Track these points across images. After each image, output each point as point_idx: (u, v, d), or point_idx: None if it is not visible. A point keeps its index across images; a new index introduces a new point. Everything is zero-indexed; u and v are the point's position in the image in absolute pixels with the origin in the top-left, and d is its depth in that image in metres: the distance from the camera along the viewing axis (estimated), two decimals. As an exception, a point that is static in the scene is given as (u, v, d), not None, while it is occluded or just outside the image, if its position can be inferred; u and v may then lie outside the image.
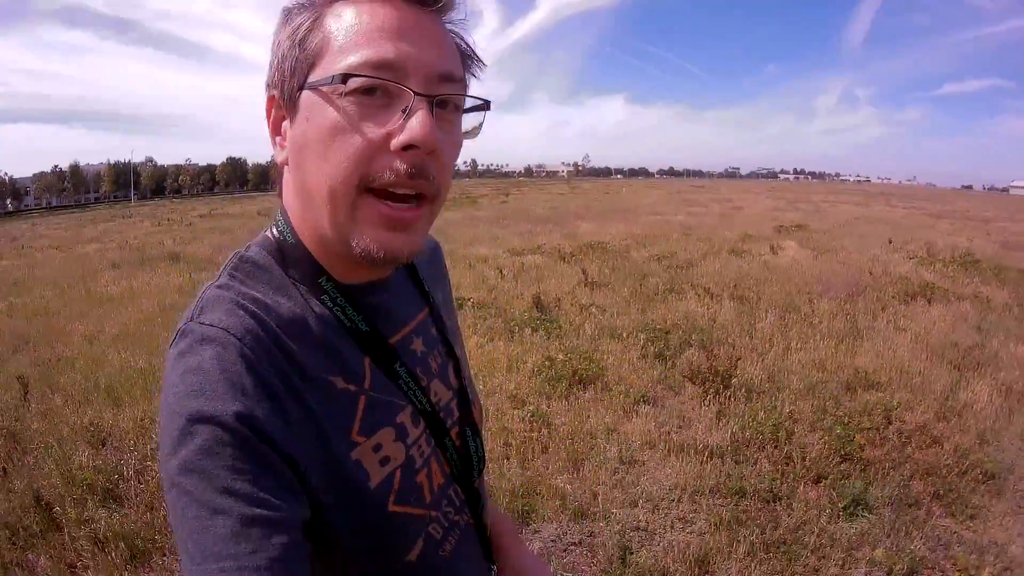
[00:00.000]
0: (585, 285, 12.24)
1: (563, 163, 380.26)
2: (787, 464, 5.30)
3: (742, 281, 12.38)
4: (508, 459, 5.50)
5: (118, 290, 14.75)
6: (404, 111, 0.93)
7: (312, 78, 0.96)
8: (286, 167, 1.08)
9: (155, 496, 5.16)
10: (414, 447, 1.12)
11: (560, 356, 7.59)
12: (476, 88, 1.08)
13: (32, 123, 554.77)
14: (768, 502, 4.81)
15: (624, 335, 8.73)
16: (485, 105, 1.06)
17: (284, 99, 1.01)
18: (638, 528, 4.55)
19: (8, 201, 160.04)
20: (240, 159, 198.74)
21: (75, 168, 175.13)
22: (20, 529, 5.01)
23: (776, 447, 5.53)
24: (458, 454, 1.22)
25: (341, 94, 0.93)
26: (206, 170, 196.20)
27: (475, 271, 14.39)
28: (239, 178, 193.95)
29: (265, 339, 0.96)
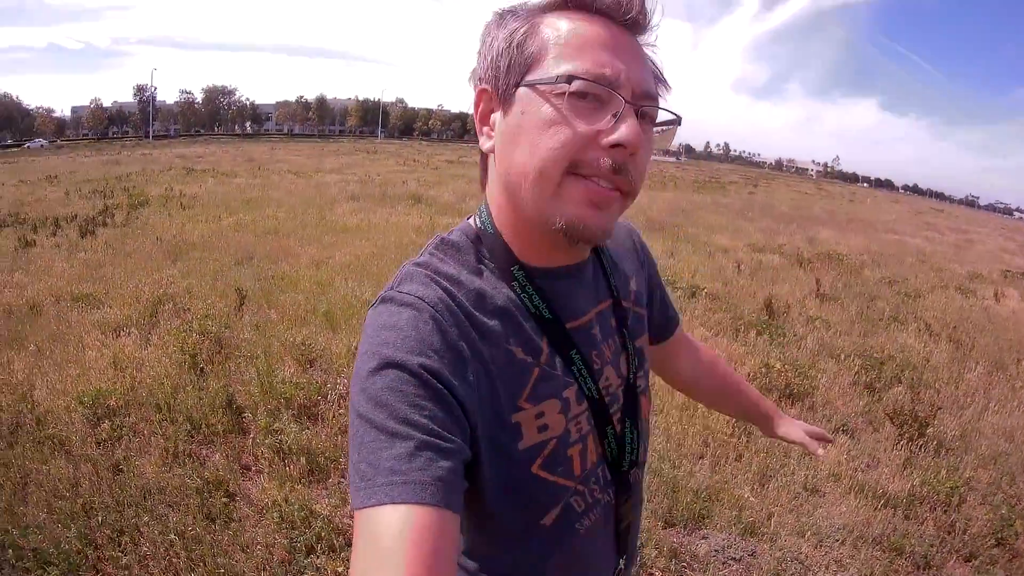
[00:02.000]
0: (816, 296, 11.93)
1: (813, 160, 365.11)
2: (949, 532, 5.07)
3: (962, 323, 11.72)
4: (702, 459, 5.50)
5: (354, 222, 15.03)
6: (615, 115, 1.02)
7: (530, 77, 1.05)
8: (491, 158, 1.17)
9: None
10: (573, 422, 1.17)
11: (778, 365, 7.42)
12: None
13: (277, 54, 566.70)
14: (919, 568, 4.63)
15: (842, 357, 8.50)
16: (677, 120, 1.15)
17: (499, 93, 1.10)
18: (797, 559, 4.48)
19: (248, 124, 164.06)
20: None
21: (321, 100, 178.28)
22: (204, 426, 5.26)
23: (946, 511, 5.30)
24: (616, 441, 1.26)
25: (560, 94, 1.02)
26: (457, 117, 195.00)
27: (714, 261, 14.27)
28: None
29: (455, 308, 1.06)
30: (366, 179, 26.61)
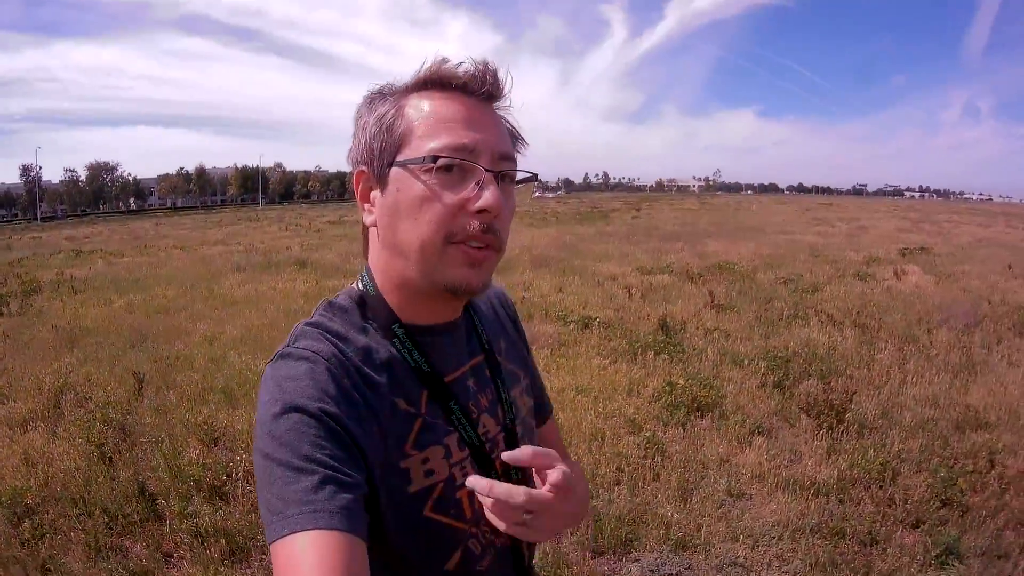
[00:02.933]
0: (711, 307, 12.15)
1: (694, 177, 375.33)
2: (889, 506, 5.18)
3: (865, 308, 12.14)
4: (619, 484, 5.53)
5: (242, 293, 15.18)
6: (478, 184, 1.16)
7: (400, 157, 1.19)
8: (372, 229, 1.30)
9: None
10: (457, 467, 1.27)
11: (681, 382, 7.52)
12: (522, 162, 1.29)
13: (153, 126, 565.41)
14: (865, 545, 4.72)
15: (746, 362, 8.67)
16: (533, 177, 1.31)
17: (375, 173, 1.23)
18: (736, 563, 4.52)
19: (132, 200, 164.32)
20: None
21: (201, 171, 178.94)
22: (120, 517, 5.19)
23: (881, 487, 5.42)
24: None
25: (428, 170, 1.15)
26: (336, 177, 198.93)
27: (603, 289, 14.52)
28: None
29: (345, 362, 1.17)
30: (250, 248, 26.59)
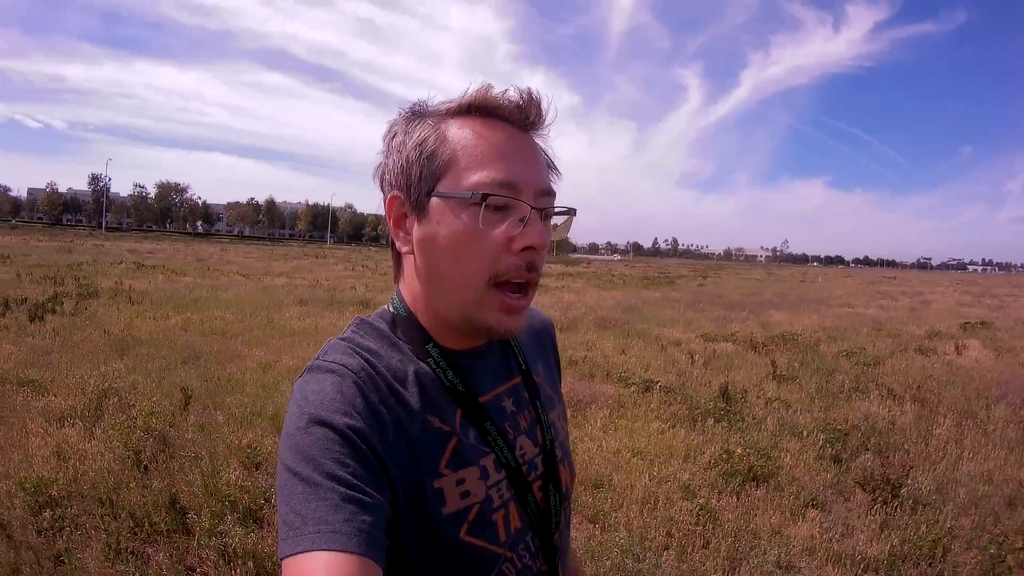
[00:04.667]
0: (773, 378, 11.97)
1: (761, 247, 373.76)
2: None
3: (925, 382, 11.87)
4: (668, 549, 5.41)
5: (302, 326, 15.15)
6: (522, 220, 1.13)
7: (442, 188, 1.15)
8: (408, 256, 1.28)
9: None
10: (493, 488, 1.24)
11: (739, 450, 7.36)
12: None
13: (229, 155, 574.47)
14: (912, 625, 4.54)
15: (804, 434, 8.49)
16: (572, 211, 1.28)
17: (411, 200, 1.19)
18: None
19: (199, 223, 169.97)
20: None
21: (271, 203, 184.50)
22: (147, 523, 5.16)
23: (931, 564, 5.30)
24: (538, 507, 1.33)
25: (472, 206, 1.12)
26: None
27: (666, 354, 14.23)
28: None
29: (375, 376, 1.15)
30: (315, 283, 26.78)
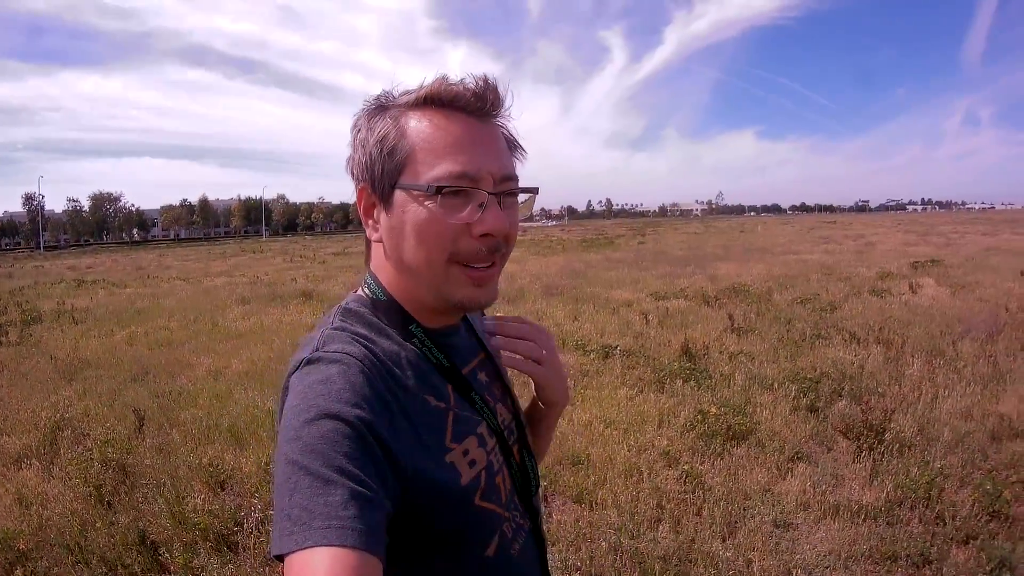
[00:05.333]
0: (732, 331, 12.04)
1: (697, 201, 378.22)
2: (938, 524, 5.09)
3: (886, 323, 12.01)
4: (661, 522, 5.35)
5: (247, 326, 15.09)
6: (480, 206, 1.19)
7: (403, 181, 1.21)
8: (375, 242, 1.34)
9: None
10: (492, 453, 1.33)
11: (713, 410, 7.37)
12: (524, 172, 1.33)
13: (158, 157, 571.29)
14: (919, 566, 4.60)
15: (775, 385, 8.52)
16: (535, 190, 1.35)
17: (377, 193, 1.26)
18: None
19: (135, 231, 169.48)
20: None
21: (204, 202, 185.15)
22: (119, 566, 4.99)
23: (928, 506, 5.32)
24: (519, 468, 1.43)
25: (430, 197, 1.18)
26: (339, 208, 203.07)
27: (619, 316, 14.31)
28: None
29: (377, 363, 1.18)
30: (255, 280, 26.77)
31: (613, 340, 11.51)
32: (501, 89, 1.23)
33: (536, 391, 1.59)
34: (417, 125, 1.21)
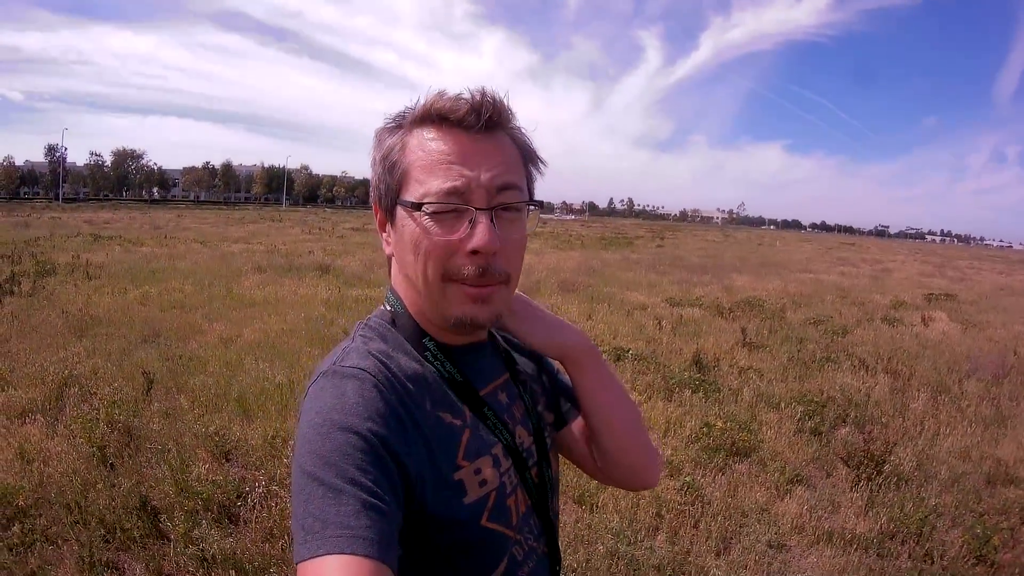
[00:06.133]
0: (743, 345, 12.13)
1: (718, 209, 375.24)
2: (926, 561, 5.20)
3: (895, 354, 12.09)
4: (658, 531, 5.47)
5: (262, 295, 15.15)
6: (471, 222, 1.18)
7: (402, 197, 1.23)
8: (390, 257, 1.37)
9: (277, 525, 5.05)
10: (505, 475, 1.31)
11: (719, 424, 7.47)
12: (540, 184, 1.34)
13: (184, 118, 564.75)
14: (904, 602, 4.69)
15: (781, 405, 8.63)
16: (539, 204, 1.32)
17: (384, 209, 1.30)
18: None
19: (155, 189, 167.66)
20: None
21: (227, 167, 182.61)
22: (118, 530, 4.98)
23: (918, 542, 5.42)
24: (536, 488, 1.41)
25: (421, 213, 1.19)
26: (361, 184, 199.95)
27: (633, 319, 14.41)
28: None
29: (392, 379, 1.19)
30: (272, 249, 26.67)
31: (626, 343, 11.59)
32: (501, 101, 1.23)
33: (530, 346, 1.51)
34: (415, 142, 1.24)
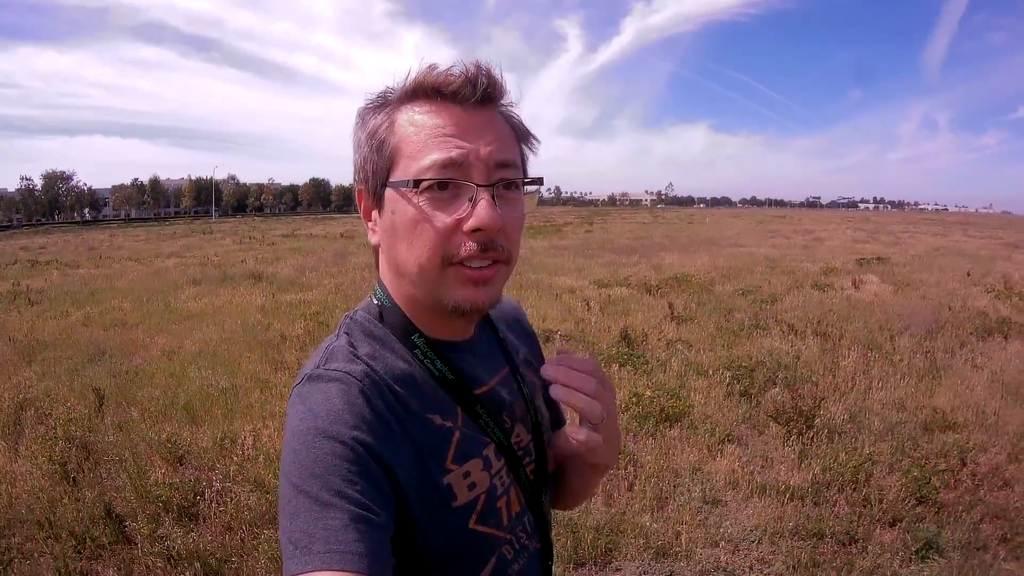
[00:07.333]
0: (671, 319, 12.25)
1: (646, 191, 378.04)
2: (864, 506, 5.35)
3: (825, 317, 12.32)
4: (594, 495, 5.49)
5: (199, 306, 15.21)
6: (471, 200, 1.13)
7: (392, 178, 1.17)
8: (375, 246, 1.30)
9: (234, 518, 5.29)
10: (496, 477, 1.29)
11: (648, 393, 7.58)
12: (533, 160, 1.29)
13: (111, 136, 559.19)
14: (844, 544, 4.89)
15: (710, 372, 8.79)
16: (539, 181, 1.27)
17: (370, 194, 1.23)
18: (718, 568, 4.63)
19: (87, 211, 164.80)
20: (323, 180, 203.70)
21: (155, 182, 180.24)
22: (88, 540, 5.12)
23: (855, 489, 5.58)
24: (531, 486, 1.39)
25: (417, 192, 1.13)
26: (288, 190, 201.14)
27: (562, 302, 14.50)
28: (322, 198, 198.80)
29: (379, 382, 1.16)
30: (205, 261, 26.54)
31: (555, 326, 11.60)
32: (496, 74, 1.18)
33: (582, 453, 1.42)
34: (405, 118, 1.18)
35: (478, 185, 1.13)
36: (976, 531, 5.06)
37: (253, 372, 9.27)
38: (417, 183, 1.12)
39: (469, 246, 1.13)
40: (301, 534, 0.97)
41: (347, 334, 1.27)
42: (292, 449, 1.06)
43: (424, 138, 1.15)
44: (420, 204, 1.14)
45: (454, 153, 1.13)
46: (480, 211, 1.12)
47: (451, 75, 1.16)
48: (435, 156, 1.13)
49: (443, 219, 1.13)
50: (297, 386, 1.17)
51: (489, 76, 1.17)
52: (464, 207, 1.13)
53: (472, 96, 1.16)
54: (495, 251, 1.16)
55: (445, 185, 1.13)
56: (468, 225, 1.12)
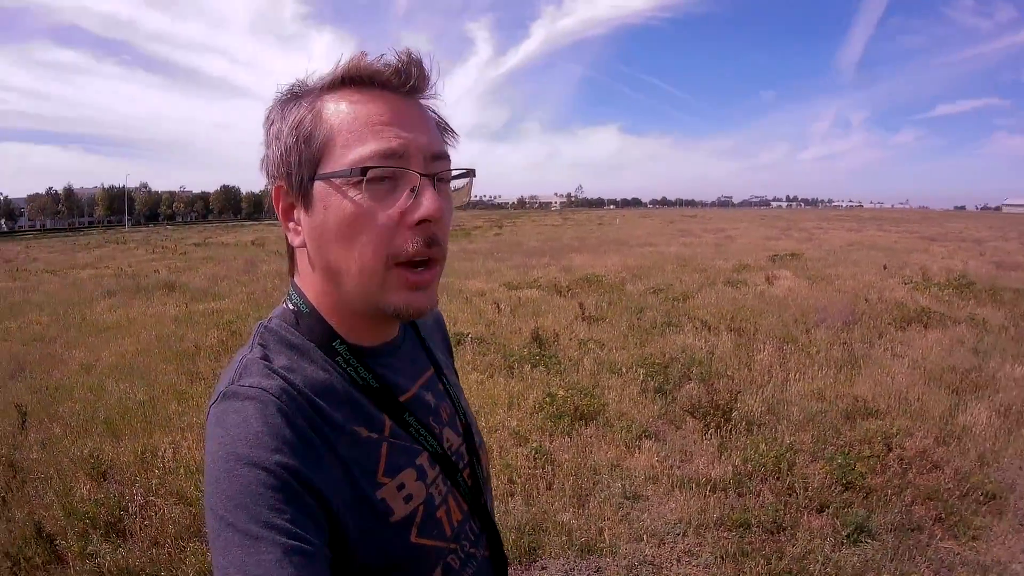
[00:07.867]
0: (583, 319, 12.32)
1: (556, 193, 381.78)
2: (790, 495, 5.40)
3: (739, 313, 12.50)
4: (513, 496, 5.56)
5: (114, 318, 15.00)
6: (412, 190, 1.08)
7: (323, 170, 1.10)
8: (300, 249, 1.22)
9: (160, 532, 5.24)
10: (432, 486, 1.24)
11: (561, 392, 7.61)
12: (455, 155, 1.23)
13: (25, 142, 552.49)
14: (772, 533, 4.91)
15: (623, 370, 8.82)
16: (471, 173, 1.24)
17: (294, 189, 1.14)
18: (645, 562, 4.63)
19: (3, 222, 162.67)
20: (234, 187, 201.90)
21: (69, 191, 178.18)
22: (22, 560, 5.07)
23: (778, 478, 5.63)
24: (470, 490, 1.35)
25: (356, 184, 1.07)
26: (199, 197, 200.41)
27: (472, 305, 14.52)
28: (233, 206, 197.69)
29: (297, 397, 1.08)
30: (119, 271, 26.23)
31: (465, 328, 11.69)
32: (426, 64, 1.16)
33: None
34: (335, 107, 1.12)
35: (421, 175, 1.10)
36: (908, 513, 5.14)
37: (169, 383, 9.14)
38: (364, 171, 1.06)
39: (415, 241, 1.10)
40: (236, 571, 0.91)
41: (261, 345, 1.20)
42: (214, 477, 1.00)
43: (360, 127, 1.10)
44: (357, 198, 1.08)
45: (395, 143, 1.09)
46: (427, 201, 1.08)
47: (384, 63, 1.12)
48: (374, 146, 1.08)
49: (385, 213, 1.09)
50: (213, 405, 1.09)
51: (420, 65, 1.14)
52: (405, 198, 1.09)
53: (406, 85, 1.14)
54: (438, 245, 1.13)
55: (383, 178, 1.08)
56: (417, 215, 1.08)
